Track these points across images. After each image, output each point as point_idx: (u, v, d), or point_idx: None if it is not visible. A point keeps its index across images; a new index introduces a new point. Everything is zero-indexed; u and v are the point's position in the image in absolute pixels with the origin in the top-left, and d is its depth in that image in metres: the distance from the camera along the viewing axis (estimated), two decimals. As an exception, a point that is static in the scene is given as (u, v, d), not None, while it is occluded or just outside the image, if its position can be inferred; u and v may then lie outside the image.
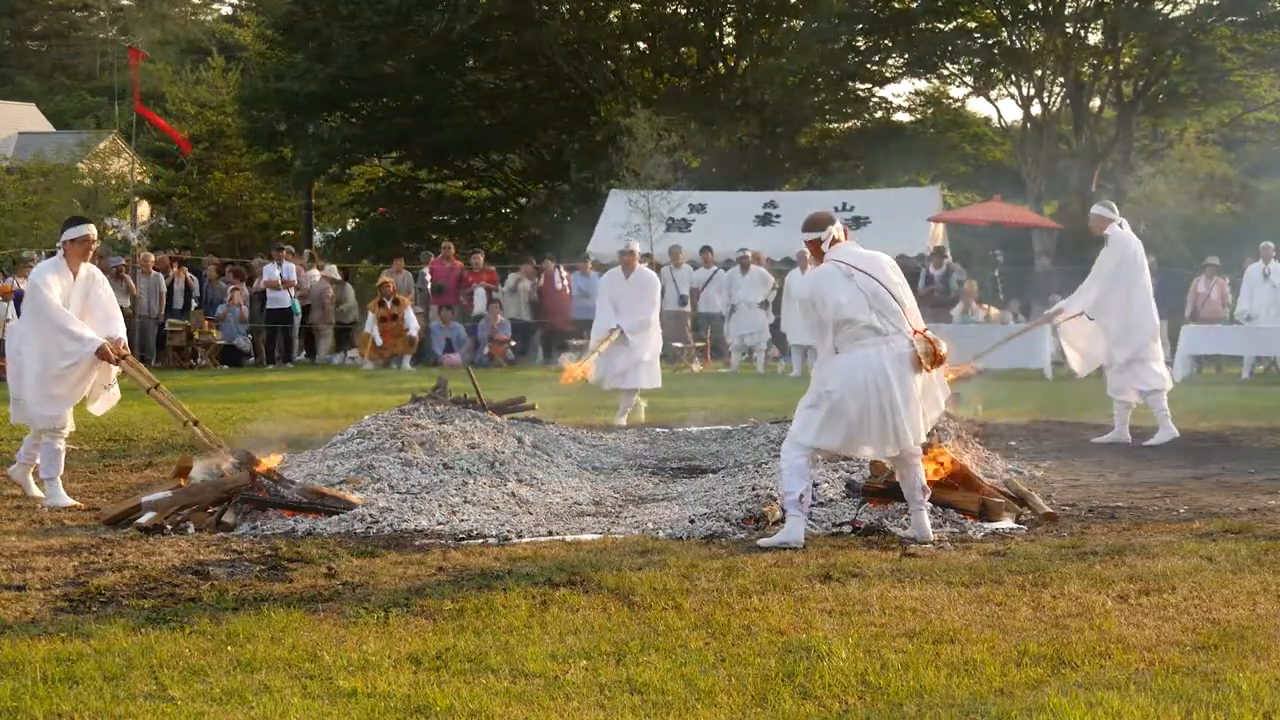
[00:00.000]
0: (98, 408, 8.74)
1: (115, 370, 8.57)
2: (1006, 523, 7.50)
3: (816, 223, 7.22)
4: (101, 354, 8.33)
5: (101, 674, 4.73)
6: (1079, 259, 26.04)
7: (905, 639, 5.12)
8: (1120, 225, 11.67)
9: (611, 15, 34.62)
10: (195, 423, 8.56)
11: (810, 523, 7.47)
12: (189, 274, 24.64)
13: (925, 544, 6.95)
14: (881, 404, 6.88)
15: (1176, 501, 8.38)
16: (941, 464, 7.76)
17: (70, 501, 8.40)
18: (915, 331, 6.99)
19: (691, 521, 7.51)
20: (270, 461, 8.20)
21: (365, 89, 33.29)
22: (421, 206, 36.92)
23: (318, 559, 6.62)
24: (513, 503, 8.12)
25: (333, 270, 25.40)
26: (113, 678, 4.70)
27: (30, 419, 8.56)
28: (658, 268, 23.23)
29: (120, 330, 8.61)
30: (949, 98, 38.30)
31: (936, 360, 6.97)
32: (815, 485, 8.01)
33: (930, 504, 7.56)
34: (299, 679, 4.68)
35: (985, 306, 21.21)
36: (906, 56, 33.92)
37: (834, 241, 7.17)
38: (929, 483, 7.31)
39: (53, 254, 8.78)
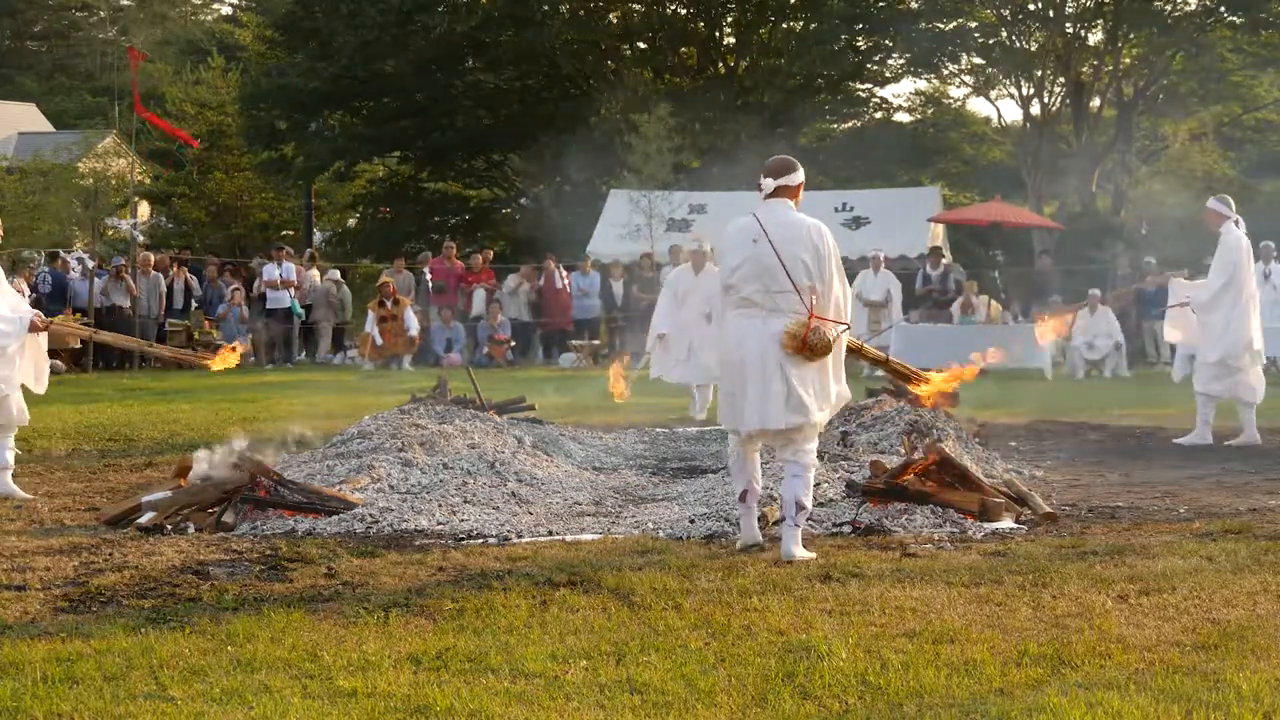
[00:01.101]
0: (36, 384, 8.92)
1: (44, 342, 8.92)
2: (1006, 523, 7.49)
3: (778, 169, 6.75)
4: (32, 327, 8.66)
5: (101, 674, 4.73)
6: (1079, 259, 26.11)
7: (905, 639, 5.12)
8: (1236, 223, 11.37)
9: (611, 15, 34.61)
10: (150, 346, 8.73)
11: (810, 523, 7.47)
12: (189, 274, 24.66)
13: (789, 560, 6.43)
14: (748, 375, 6.52)
15: (1176, 501, 8.38)
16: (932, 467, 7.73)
17: (21, 494, 8.55)
18: (812, 315, 6.48)
19: (691, 521, 7.51)
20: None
21: (366, 88, 33.31)
22: (422, 206, 36.93)
23: (318, 559, 6.61)
24: (513, 503, 8.12)
25: (334, 274, 25.39)
26: (113, 678, 4.69)
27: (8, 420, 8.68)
28: (658, 268, 23.31)
29: (27, 305, 9.09)
30: (949, 98, 38.35)
31: (800, 347, 6.43)
32: (816, 485, 8.01)
33: (932, 505, 7.57)
34: (299, 679, 4.67)
35: (987, 299, 21.20)
36: (906, 57, 33.94)
37: (778, 191, 6.71)
38: (922, 481, 7.30)
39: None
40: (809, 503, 6.69)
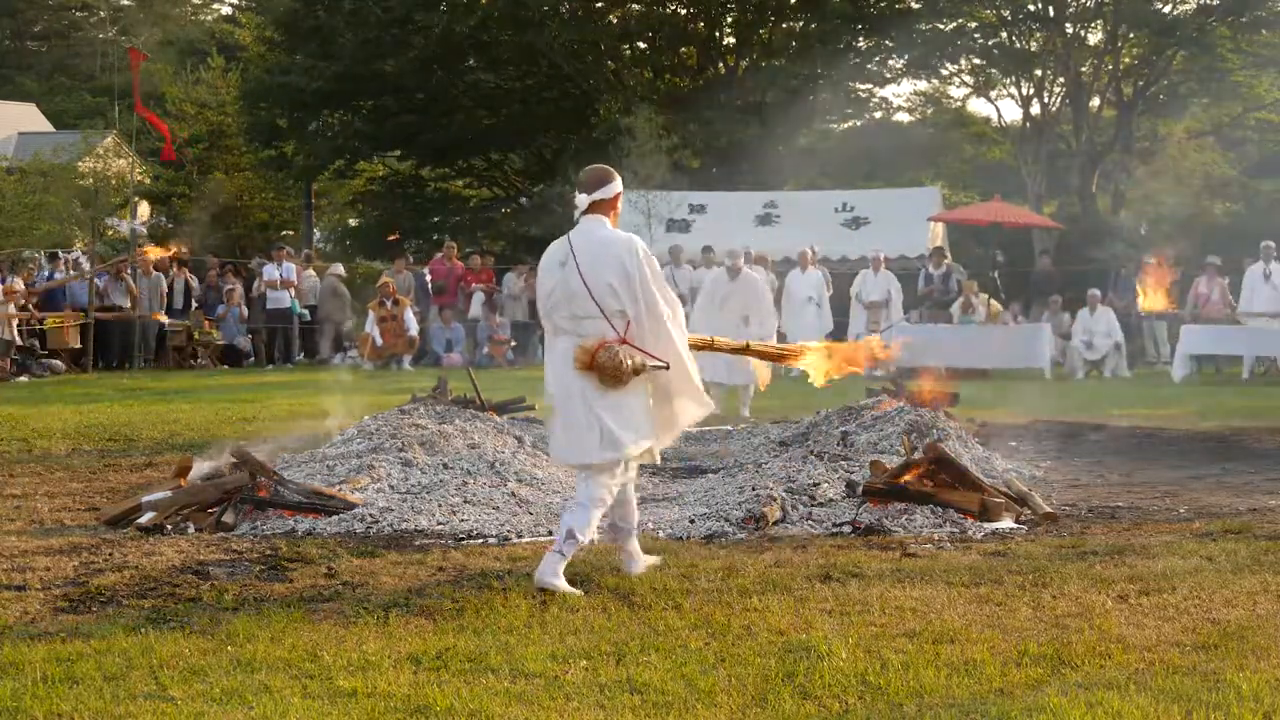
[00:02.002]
0: None
1: None
2: (1006, 523, 7.50)
3: (591, 182, 6.16)
4: None
5: (101, 674, 4.73)
6: (1079, 259, 26.12)
7: (905, 639, 5.12)
8: None
9: (611, 16, 34.62)
10: (94, 275, 8.54)
11: (810, 523, 7.48)
12: (189, 274, 24.65)
13: (537, 584, 5.94)
14: (559, 406, 6.15)
15: (1176, 501, 8.38)
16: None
17: None
18: (620, 339, 5.95)
19: (691, 521, 7.52)
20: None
21: (366, 87, 33.30)
22: (422, 206, 36.93)
23: (318, 559, 6.62)
24: (513, 503, 8.12)
25: (339, 268, 25.30)
26: (113, 678, 4.69)
27: None
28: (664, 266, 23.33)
29: None
30: (949, 98, 38.35)
31: (589, 362, 5.94)
32: (815, 485, 8.02)
33: (932, 505, 7.57)
34: (299, 679, 4.67)
35: (986, 298, 21.18)
36: (906, 57, 33.94)
37: (592, 208, 6.13)
38: (922, 481, 7.29)
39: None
40: (584, 537, 6.05)
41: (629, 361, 5.91)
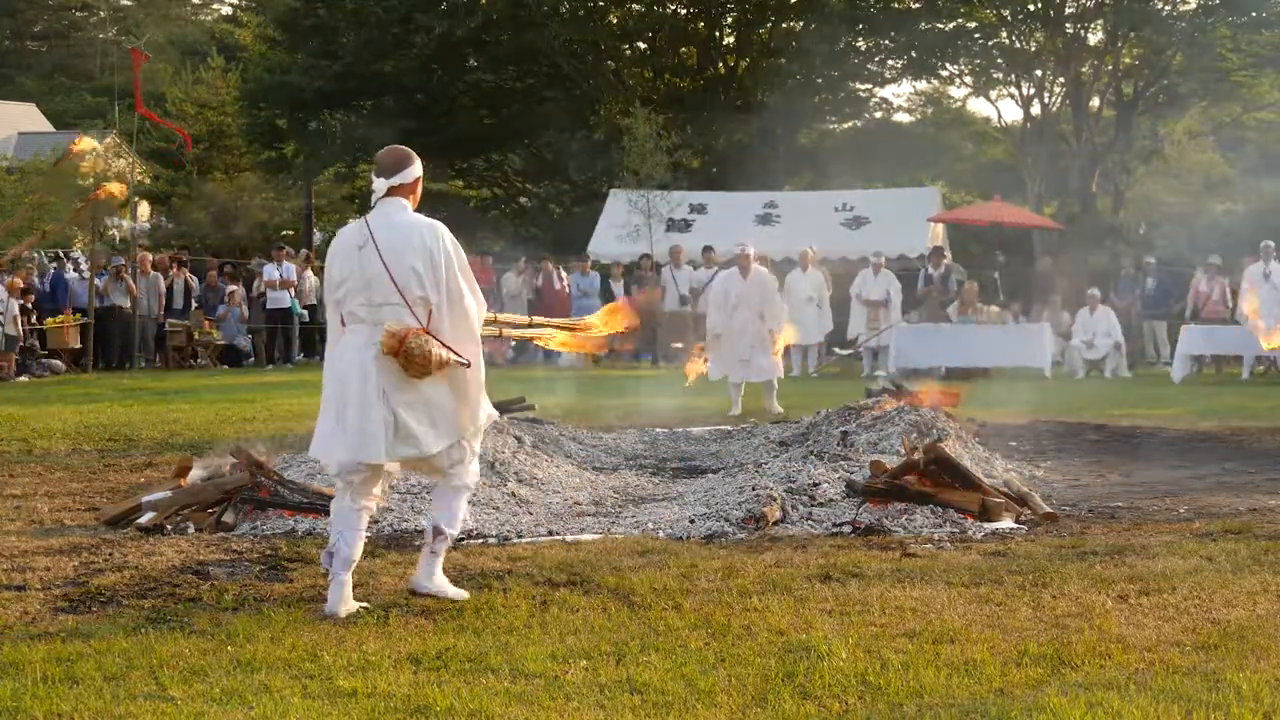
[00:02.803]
0: None
1: None
2: (1006, 523, 7.50)
3: (390, 165, 5.81)
4: None
5: (101, 674, 4.73)
6: (1079, 259, 26.12)
7: (905, 639, 5.12)
8: None
9: (611, 16, 34.62)
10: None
11: (810, 523, 7.48)
12: (189, 274, 24.66)
13: (424, 595, 5.72)
14: (348, 399, 5.61)
15: (1176, 501, 8.38)
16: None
17: None
18: (421, 329, 5.56)
19: (691, 521, 7.51)
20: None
21: (367, 87, 33.31)
22: (422, 206, 36.89)
23: (318, 559, 6.60)
24: (513, 503, 8.12)
25: None
26: (113, 678, 4.69)
27: None
28: (658, 268, 23.32)
29: None
30: (949, 98, 38.35)
31: (397, 348, 5.50)
32: (815, 485, 8.02)
33: (932, 505, 7.57)
34: (299, 679, 4.67)
35: (981, 309, 21.19)
36: (906, 57, 33.94)
37: (391, 192, 5.77)
38: (922, 481, 7.29)
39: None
40: (454, 530, 5.83)
41: (438, 353, 5.54)
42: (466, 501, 5.99)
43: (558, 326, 6.91)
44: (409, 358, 5.50)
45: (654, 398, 14.60)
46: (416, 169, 5.84)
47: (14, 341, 19.99)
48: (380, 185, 5.75)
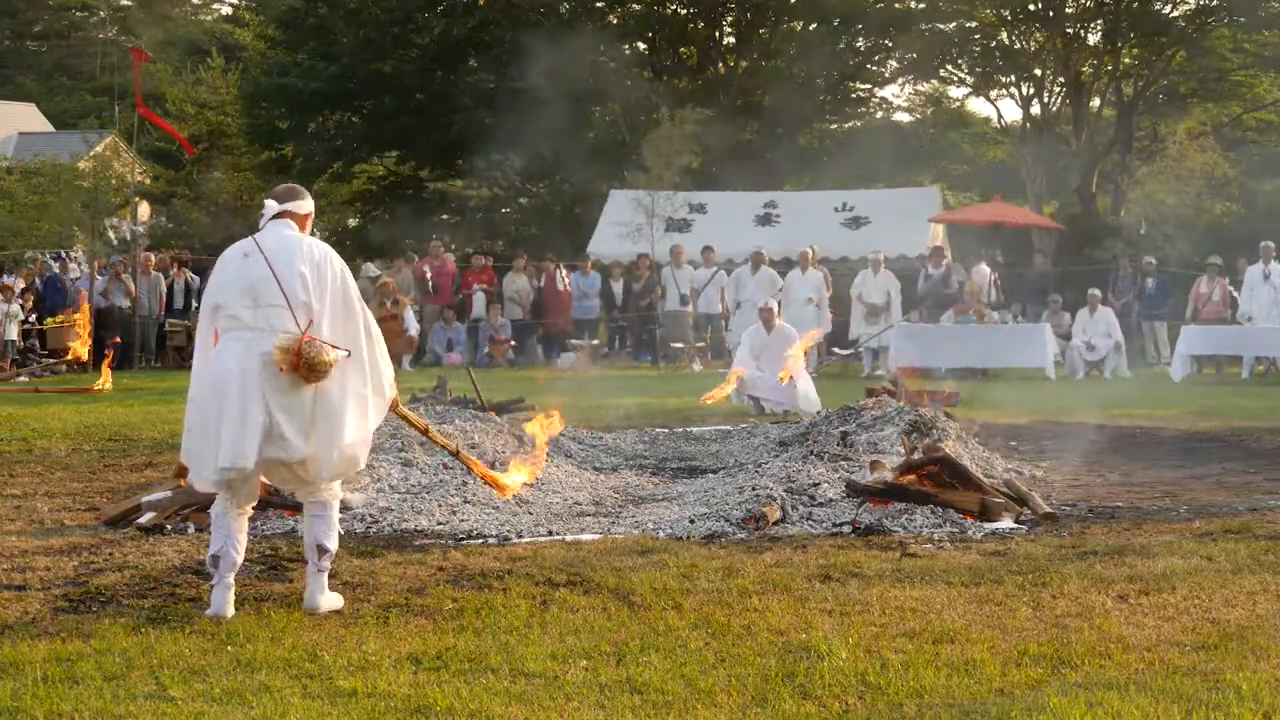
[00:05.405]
0: None
1: None
2: (1006, 523, 7.50)
3: (283, 193, 5.94)
4: None
5: (101, 674, 4.73)
6: (1079, 259, 26.12)
7: (905, 639, 5.12)
8: None
9: (611, 16, 34.60)
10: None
11: (810, 523, 7.48)
12: (189, 274, 24.65)
13: (312, 611, 5.65)
14: (225, 407, 5.55)
15: (1176, 501, 8.38)
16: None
17: None
18: (305, 336, 5.55)
19: (691, 521, 7.51)
20: None
21: (367, 88, 33.30)
22: (423, 206, 36.90)
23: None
24: (513, 503, 8.12)
25: (371, 269, 24.88)
26: (113, 678, 4.70)
27: None
28: (658, 268, 23.33)
29: None
30: (949, 98, 38.34)
31: (295, 363, 5.51)
32: (815, 485, 8.03)
33: (932, 505, 7.57)
34: (299, 679, 4.68)
35: (980, 308, 21.20)
36: (907, 57, 33.93)
37: (282, 215, 5.84)
38: (922, 481, 7.29)
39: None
40: (333, 545, 5.83)
41: (329, 356, 5.57)
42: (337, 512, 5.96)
43: (474, 469, 6.79)
44: (310, 367, 5.53)
45: (652, 397, 14.60)
46: (309, 205, 5.95)
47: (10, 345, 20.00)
48: (271, 206, 5.85)
